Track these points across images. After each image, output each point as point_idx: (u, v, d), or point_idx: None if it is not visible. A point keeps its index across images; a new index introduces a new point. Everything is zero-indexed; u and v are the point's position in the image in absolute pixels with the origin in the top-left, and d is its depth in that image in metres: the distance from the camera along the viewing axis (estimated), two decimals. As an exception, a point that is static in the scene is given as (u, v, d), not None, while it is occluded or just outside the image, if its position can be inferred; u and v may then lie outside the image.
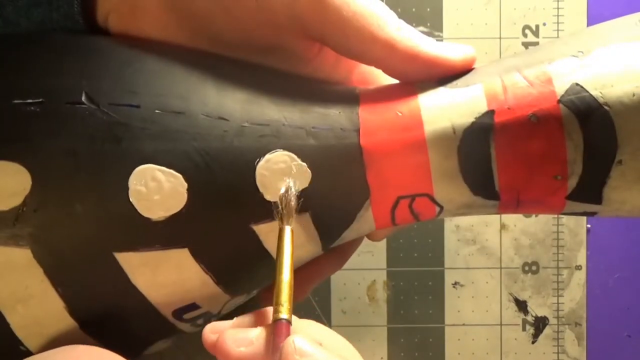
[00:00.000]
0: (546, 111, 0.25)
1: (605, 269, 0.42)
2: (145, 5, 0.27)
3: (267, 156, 0.26)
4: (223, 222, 0.26)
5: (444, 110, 0.26)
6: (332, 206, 0.27)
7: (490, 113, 0.26)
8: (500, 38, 0.41)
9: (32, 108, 0.25)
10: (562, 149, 0.25)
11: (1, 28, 0.27)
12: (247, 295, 0.29)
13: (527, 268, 0.41)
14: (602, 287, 0.42)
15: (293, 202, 0.25)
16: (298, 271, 0.29)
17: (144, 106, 0.25)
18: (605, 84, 0.25)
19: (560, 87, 0.25)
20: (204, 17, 0.27)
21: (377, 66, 0.28)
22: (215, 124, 0.25)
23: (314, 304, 0.41)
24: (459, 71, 0.27)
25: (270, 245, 0.26)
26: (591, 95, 0.25)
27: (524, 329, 0.41)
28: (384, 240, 0.41)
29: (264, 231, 0.26)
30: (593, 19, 0.41)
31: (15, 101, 0.25)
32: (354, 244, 0.32)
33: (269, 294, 0.29)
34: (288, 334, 0.23)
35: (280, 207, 0.25)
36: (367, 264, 0.41)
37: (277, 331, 0.23)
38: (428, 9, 0.41)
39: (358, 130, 0.26)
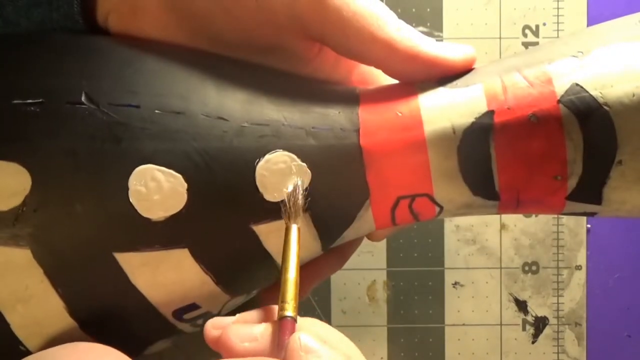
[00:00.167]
0: (546, 111, 0.25)
1: (605, 269, 0.42)
2: (145, 5, 0.27)
3: (267, 156, 0.26)
4: (223, 222, 0.26)
5: (444, 110, 0.26)
6: (332, 206, 0.27)
7: (490, 113, 0.26)
8: (500, 38, 0.41)
9: (32, 108, 0.25)
10: (562, 149, 0.25)
11: (1, 28, 0.27)
12: (246, 295, 0.29)
13: (527, 268, 0.41)
14: (602, 287, 0.42)
15: (300, 201, 0.25)
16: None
17: (143, 106, 0.25)
18: (605, 84, 0.25)
19: (560, 87, 0.25)
20: (204, 17, 0.27)
21: (377, 66, 0.28)
22: (215, 124, 0.25)
23: (314, 304, 0.41)
24: (459, 71, 0.27)
25: (270, 245, 0.26)
26: (591, 95, 0.25)
27: (524, 329, 0.41)
28: (384, 240, 0.41)
29: (264, 231, 0.26)
30: (593, 19, 0.41)
31: (15, 101, 0.25)
32: (354, 244, 0.32)
33: (268, 294, 0.29)
34: (293, 332, 0.23)
35: (287, 205, 0.25)
36: (367, 264, 0.41)
37: (282, 328, 0.23)
38: (428, 9, 0.41)
39: (358, 131, 0.26)
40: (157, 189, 0.25)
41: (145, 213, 0.25)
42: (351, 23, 0.26)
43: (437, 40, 0.27)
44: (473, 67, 0.28)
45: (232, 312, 0.26)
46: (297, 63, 0.29)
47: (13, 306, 0.25)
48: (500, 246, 0.41)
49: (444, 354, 0.41)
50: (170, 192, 0.25)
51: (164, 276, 0.26)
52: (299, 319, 0.25)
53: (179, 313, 0.27)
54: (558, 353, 0.41)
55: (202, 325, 0.27)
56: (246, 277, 0.27)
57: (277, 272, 0.27)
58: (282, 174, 0.26)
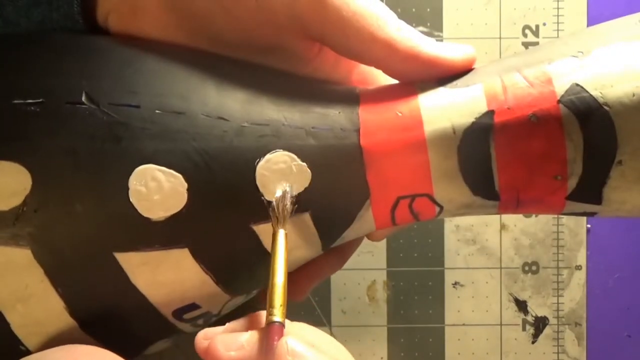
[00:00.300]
0: (546, 111, 0.25)
1: (605, 269, 0.42)
2: (145, 5, 0.27)
3: (267, 156, 0.26)
4: (223, 222, 0.26)
5: (444, 110, 0.26)
6: (332, 206, 0.27)
7: (490, 113, 0.26)
8: (500, 38, 0.41)
9: (32, 108, 0.25)
10: (562, 149, 0.25)
11: (1, 28, 0.27)
12: (246, 295, 0.29)
13: (527, 268, 0.41)
14: (602, 287, 0.42)
15: (289, 207, 0.25)
16: (298, 271, 0.29)
17: (144, 106, 0.25)
18: (605, 84, 0.25)
19: (560, 87, 0.25)
20: (204, 17, 0.27)
21: (377, 66, 0.28)
22: (215, 123, 0.25)
23: (314, 304, 0.41)
24: (459, 71, 0.27)
25: (270, 245, 0.26)
26: (591, 95, 0.25)
27: (524, 329, 0.41)
28: (384, 240, 0.41)
29: (264, 231, 0.26)
30: (593, 19, 0.41)
31: (15, 101, 0.25)
32: (354, 244, 0.32)
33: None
34: (281, 337, 0.23)
35: (276, 210, 0.25)
36: (367, 264, 0.41)
37: (270, 334, 0.23)
38: (428, 9, 0.41)
39: (358, 130, 0.26)
40: (158, 189, 0.25)
41: (145, 213, 0.25)
42: (351, 23, 0.26)
43: (437, 40, 0.27)
44: (473, 67, 0.28)
45: (232, 312, 0.26)
46: (297, 63, 0.29)
47: (13, 306, 0.25)
48: (500, 246, 0.41)
49: (444, 354, 0.41)
50: (171, 192, 0.25)
51: (164, 276, 0.26)
52: (288, 323, 0.25)
53: (179, 313, 0.27)
54: (558, 353, 0.41)
55: (202, 326, 0.27)
56: (246, 277, 0.27)
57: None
58: (282, 174, 0.26)
